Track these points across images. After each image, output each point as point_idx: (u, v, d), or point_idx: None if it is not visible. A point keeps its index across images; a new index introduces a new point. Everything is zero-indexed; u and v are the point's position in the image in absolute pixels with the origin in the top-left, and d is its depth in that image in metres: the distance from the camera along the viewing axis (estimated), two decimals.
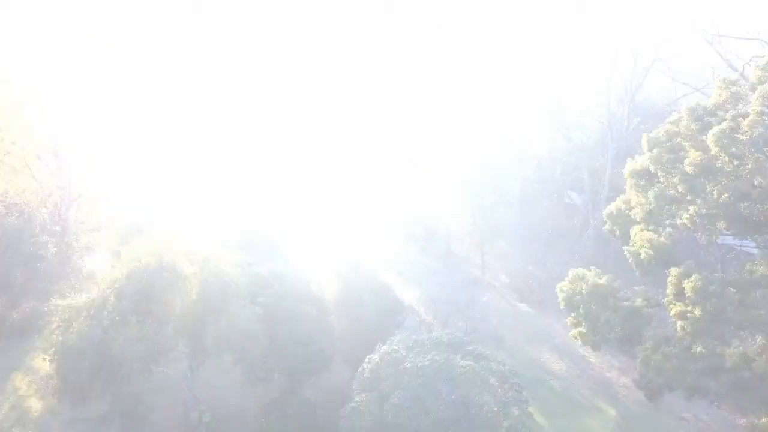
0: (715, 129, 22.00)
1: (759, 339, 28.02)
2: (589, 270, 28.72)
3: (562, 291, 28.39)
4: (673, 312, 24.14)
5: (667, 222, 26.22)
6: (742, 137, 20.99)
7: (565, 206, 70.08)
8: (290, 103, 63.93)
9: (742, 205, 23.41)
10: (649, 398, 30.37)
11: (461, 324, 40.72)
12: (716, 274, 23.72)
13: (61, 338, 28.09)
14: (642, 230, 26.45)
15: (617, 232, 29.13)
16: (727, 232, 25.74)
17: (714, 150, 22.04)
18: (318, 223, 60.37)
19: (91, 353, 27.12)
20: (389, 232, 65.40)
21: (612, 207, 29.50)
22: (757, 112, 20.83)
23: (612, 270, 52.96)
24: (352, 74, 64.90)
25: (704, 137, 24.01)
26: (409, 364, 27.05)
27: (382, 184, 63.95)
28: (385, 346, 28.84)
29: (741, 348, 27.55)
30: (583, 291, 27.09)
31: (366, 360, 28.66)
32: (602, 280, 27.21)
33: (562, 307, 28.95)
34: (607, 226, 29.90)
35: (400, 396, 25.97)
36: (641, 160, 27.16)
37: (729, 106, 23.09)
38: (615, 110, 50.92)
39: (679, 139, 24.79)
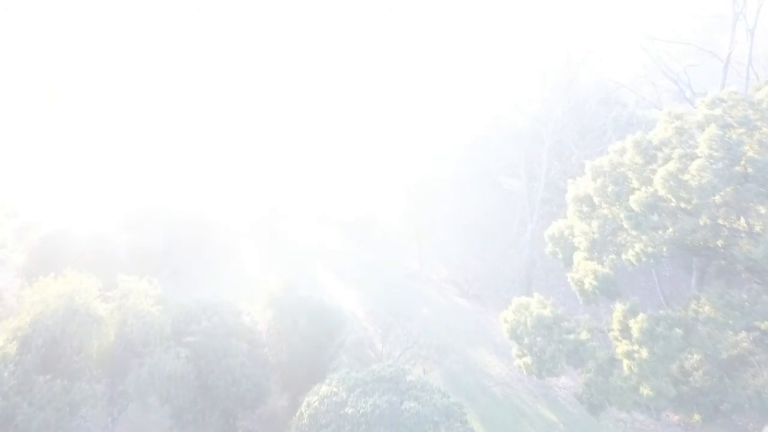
0: (663, 171, 20.82)
1: (696, 355, 27.98)
2: (533, 297, 27.53)
3: (506, 321, 27.14)
4: (619, 350, 23.36)
5: (611, 249, 25.23)
6: (690, 182, 19.90)
7: (500, 191, 69.55)
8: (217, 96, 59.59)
9: (687, 238, 22.65)
10: (591, 413, 29.82)
11: (403, 336, 39.21)
12: (662, 312, 22.97)
13: None
14: (585, 259, 25.38)
15: (560, 255, 28.02)
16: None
17: (661, 191, 20.91)
18: (253, 223, 57.33)
19: None
20: (328, 228, 63.18)
21: (554, 229, 28.28)
22: (706, 156, 19.76)
23: (548, 269, 53.16)
24: (287, 66, 61.34)
25: (649, 168, 22.87)
26: (350, 410, 25.27)
27: (319, 179, 61.14)
28: (324, 387, 26.88)
29: (679, 362, 27.49)
30: (528, 323, 25.90)
31: (304, 404, 26.63)
32: (546, 311, 26.10)
33: (506, 336, 27.75)
34: (549, 248, 28.74)
35: None
36: (584, 186, 25.89)
37: (675, 141, 21.98)
38: (549, 101, 49.82)
39: (623, 169, 23.58)
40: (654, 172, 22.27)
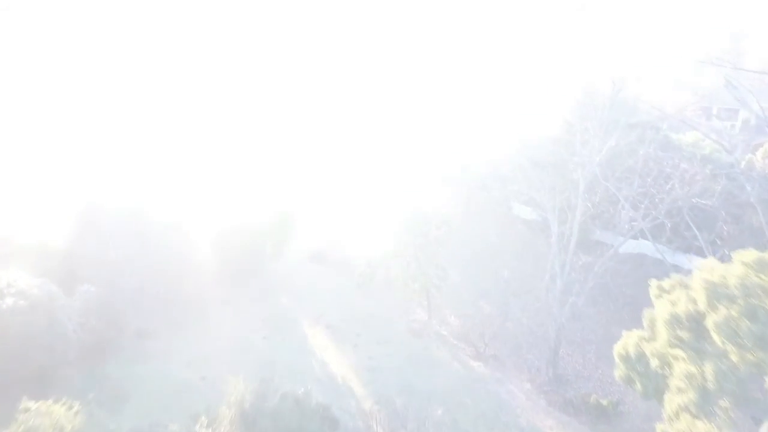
0: None
1: None
2: None
3: None
4: None
5: (730, 400, 16.60)
6: None
7: (518, 225, 61.01)
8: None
9: None
10: None
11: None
12: None
13: None
14: (691, 414, 16.76)
15: (638, 386, 19.38)
16: None
17: None
18: (234, 265, 48.69)
19: None
20: (321, 268, 54.65)
21: (629, 347, 19.60)
22: None
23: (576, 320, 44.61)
24: (281, 87, 52.94)
25: None
26: None
27: (312, 214, 52.47)
28: None
29: None
30: None
31: None
32: None
33: None
34: (619, 372, 20.10)
35: None
36: (685, 304, 17.21)
37: None
38: (581, 131, 41.21)
39: (762, 294, 15.00)
40: None
